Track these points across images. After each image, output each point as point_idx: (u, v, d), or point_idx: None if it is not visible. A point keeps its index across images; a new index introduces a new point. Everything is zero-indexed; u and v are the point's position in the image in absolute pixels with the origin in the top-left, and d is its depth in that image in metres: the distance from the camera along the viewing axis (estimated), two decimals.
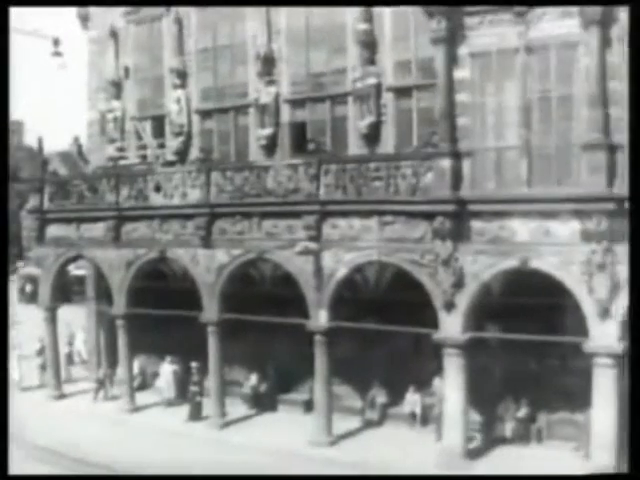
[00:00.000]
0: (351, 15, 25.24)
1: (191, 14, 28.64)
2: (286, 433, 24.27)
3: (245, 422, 26.12)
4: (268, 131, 27.10)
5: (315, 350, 23.34)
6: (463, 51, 20.73)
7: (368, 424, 24.89)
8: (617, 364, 19.01)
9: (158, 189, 25.96)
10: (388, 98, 24.97)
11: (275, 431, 24.77)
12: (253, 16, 27.18)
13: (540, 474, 19.81)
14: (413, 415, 24.50)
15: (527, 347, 21.47)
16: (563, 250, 19.44)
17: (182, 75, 29.17)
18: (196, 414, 26.26)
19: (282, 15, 26.78)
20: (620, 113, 18.73)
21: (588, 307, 19.38)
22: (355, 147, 25.49)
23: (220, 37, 28.28)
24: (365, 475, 21.22)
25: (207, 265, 25.16)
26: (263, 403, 26.98)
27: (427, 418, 24.23)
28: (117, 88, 31.03)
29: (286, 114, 27.05)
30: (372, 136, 25.07)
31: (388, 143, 24.92)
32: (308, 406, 25.70)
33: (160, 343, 28.44)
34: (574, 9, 19.19)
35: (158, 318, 26.34)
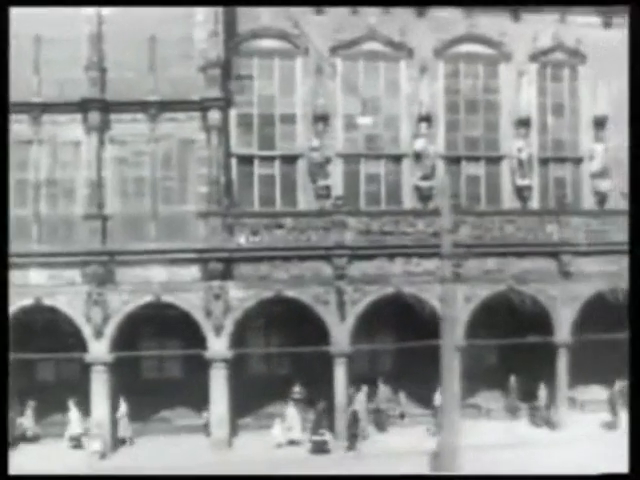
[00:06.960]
0: None
1: None
2: None
3: None
4: None
5: None
6: None
7: None
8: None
9: None
10: None
11: None
12: None
13: (539, 474, 21.39)
14: None
15: None
16: (70, 290, 26.78)
17: None
18: None
19: None
20: (110, 193, 27.26)
21: None
22: None
23: None
24: (365, 475, 23.52)
25: None
26: None
27: None
28: None
29: None
30: None
31: None
32: None
33: None
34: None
35: None
